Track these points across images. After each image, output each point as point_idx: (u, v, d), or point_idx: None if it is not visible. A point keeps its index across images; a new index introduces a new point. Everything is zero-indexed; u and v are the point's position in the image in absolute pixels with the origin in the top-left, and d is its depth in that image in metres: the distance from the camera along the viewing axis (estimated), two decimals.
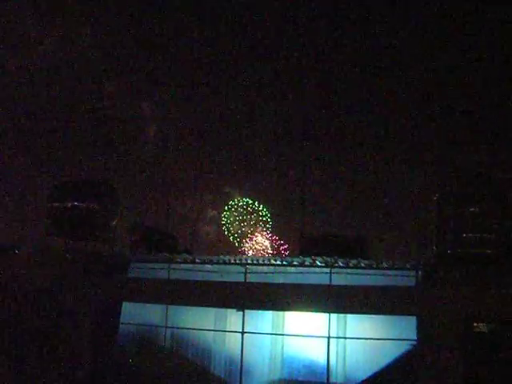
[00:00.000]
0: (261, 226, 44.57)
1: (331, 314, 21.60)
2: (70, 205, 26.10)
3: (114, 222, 26.57)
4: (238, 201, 45.61)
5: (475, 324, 20.32)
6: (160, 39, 46.77)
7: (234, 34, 46.80)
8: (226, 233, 45.25)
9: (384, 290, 21.10)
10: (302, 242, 24.69)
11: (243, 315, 22.30)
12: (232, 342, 22.56)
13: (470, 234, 22.07)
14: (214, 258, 23.37)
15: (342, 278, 21.75)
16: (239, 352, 22.19)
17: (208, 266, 23.26)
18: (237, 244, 44.85)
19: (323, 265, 21.97)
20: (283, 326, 22.59)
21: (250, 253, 43.22)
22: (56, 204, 26.16)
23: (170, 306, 23.17)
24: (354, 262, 21.80)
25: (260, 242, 44.70)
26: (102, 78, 48.18)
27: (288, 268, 22.60)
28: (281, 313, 22.52)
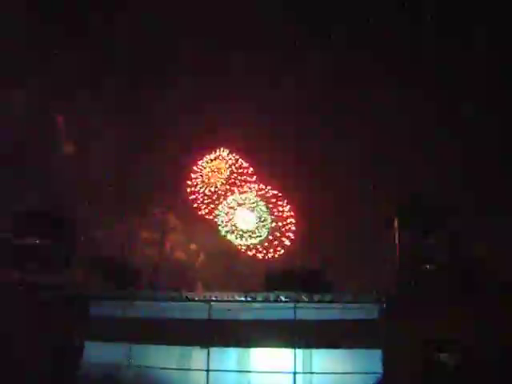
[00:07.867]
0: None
1: (297, 349, 21.71)
2: (25, 241, 25.71)
3: (72, 258, 26.19)
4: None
5: (438, 354, 20.83)
6: None
7: None
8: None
9: (348, 324, 21.35)
10: (267, 277, 24.74)
11: (208, 353, 22.19)
12: (197, 380, 22.33)
13: (428, 266, 22.77)
14: (177, 296, 23.13)
15: (307, 312, 21.92)
16: None
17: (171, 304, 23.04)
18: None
19: (287, 300, 22.10)
20: (249, 363, 22.46)
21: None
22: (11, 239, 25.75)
23: (133, 345, 22.84)
24: (317, 296, 22.01)
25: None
26: None
27: (252, 304, 22.58)
28: (246, 349, 22.43)
